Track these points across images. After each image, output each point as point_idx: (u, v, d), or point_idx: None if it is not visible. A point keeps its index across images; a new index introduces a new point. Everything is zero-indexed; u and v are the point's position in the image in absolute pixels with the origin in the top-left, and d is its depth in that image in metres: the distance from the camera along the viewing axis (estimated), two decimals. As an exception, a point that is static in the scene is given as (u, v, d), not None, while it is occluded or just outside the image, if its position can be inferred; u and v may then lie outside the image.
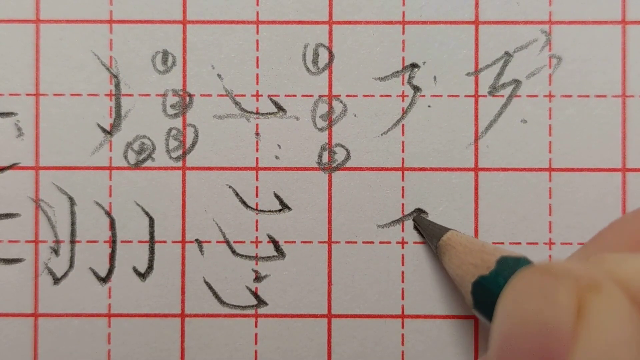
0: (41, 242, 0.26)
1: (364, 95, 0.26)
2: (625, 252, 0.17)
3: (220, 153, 0.26)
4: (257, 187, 0.26)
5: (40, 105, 0.26)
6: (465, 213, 0.26)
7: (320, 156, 0.26)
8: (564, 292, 0.15)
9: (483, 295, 0.21)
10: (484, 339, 0.26)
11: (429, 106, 0.26)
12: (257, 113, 0.26)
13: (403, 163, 0.26)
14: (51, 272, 0.26)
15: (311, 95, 0.26)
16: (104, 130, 0.26)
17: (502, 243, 0.26)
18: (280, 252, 0.26)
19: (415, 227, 0.26)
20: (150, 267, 0.26)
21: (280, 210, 0.26)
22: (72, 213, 0.26)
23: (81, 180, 0.26)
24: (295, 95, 0.26)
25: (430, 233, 0.25)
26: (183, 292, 0.26)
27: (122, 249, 0.26)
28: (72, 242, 0.26)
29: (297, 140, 0.26)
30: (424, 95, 0.26)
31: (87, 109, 0.26)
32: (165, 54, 0.26)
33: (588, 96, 0.26)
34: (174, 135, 0.26)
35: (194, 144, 0.26)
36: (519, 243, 0.26)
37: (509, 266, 0.21)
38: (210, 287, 0.26)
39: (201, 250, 0.26)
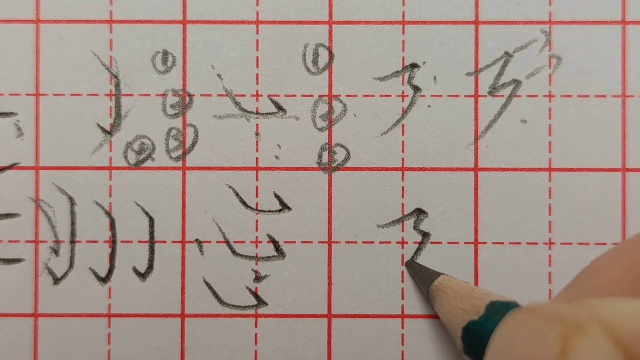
0: (41, 242, 0.26)
1: (364, 95, 0.26)
2: (608, 297, 0.18)
3: (220, 153, 0.26)
4: (257, 187, 0.26)
5: (40, 105, 0.26)
6: (465, 213, 0.26)
7: (320, 156, 0.26)
8: (550, 333, 0.15)
9: (473, 340, 0.21)
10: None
11: (429, 106, 0.26)
12: (257, 113, 0.26)
13: (403, 163, 0.26)
14: (51, 272, 0.26)
15: (311, 95, 0.26)
16: (104, 130, 0.26)
17: (502, 243, 0.26)
18: (280, 252, 0.26)
19: (408, 270, 0.26)
20: (150, 267, 0.26)
21: (280, 210, 0.26)
22: (72, 213, 0.26)
23: (81, 180, 0.26)
24: (295, 95, 0.26)
25: (421, 278, 0.25)
26: (183, 292, 0.26)
27: (122, 249, 0.26)
28: (72, 242, 0.26)
29: (297, 140, 0.26)
30: (424, 95, 0.26)
31: (87, 109, 0.26)
32: (165, 54, 0.26)
33: (588, 96, 0.26)
34: (174, 135, 0.26)
35: (194, 144, 0.26)
36: (519, 243, 0.26)
37: (498, 311, 0.21)
38: (210, 287, 0.26)
39: (201, 250, 0.26)
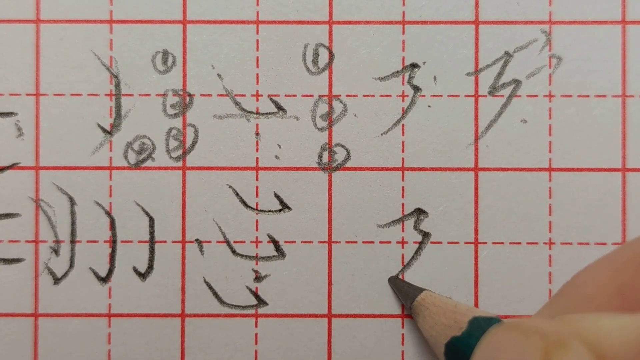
0: (41, 242, 0.26)
1: (364, 95, 0.26)
2: (590, 312, 0.18)
3: (220, 153, 0.26)
4: (257, 187, 0.26)
5: (40, 105, 0.26)
6: (465, 213, 0.26)
7: (320, 156, 0.26)
8: (531, 348, 0.15)
9: (456, 356, 0.21)
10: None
11: (429, 106, 0.26)
12: (257, 113, 0.26)
13: (403, 163, 0.26)
14: (51, 272, 0.26)
15: (311, 95, 0.26)
16: (104, 130, 0.26)
17: (502, 243, 0.26)
18: (280, 252, 0.26)
19: (392, 284, 0.26)
20: (150, 267, 0.26)
21: (280, 210, 0.26)
22: (72, 213, 0.26)
23: (81, 180, 0.26)
24: (295, 95, 0.26)
25: (404, 294, 0.25)
26: (183, 292, 0.26)
27: (122, 249, 0.26)
28: (72, 242, 0.26)
29: (297, 140, 0.26)
30: (424, 95, 0.26)
31: (87, 109, 0.26)
32: (165, 54, 0.26)
33: (588, 96, 0.26)
34: (174, 135, 0.26)
35: (194, 144, 0.26)
36: (519, 243, 0.26)
37: (481, 326, 0.21)
38: (210, 287, 0.26)
39: (201, 250, 0.26)
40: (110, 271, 0.26)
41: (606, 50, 0.26)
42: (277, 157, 0.26)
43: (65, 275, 0.26)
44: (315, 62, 0.26)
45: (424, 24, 0.26)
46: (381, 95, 0.26)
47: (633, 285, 0.17)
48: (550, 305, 0.19)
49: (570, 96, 0.26)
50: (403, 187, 0.26)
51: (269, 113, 0.26)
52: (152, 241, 0.26)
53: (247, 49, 0.26)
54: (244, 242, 0.26)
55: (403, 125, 0.26)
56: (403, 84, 0.26)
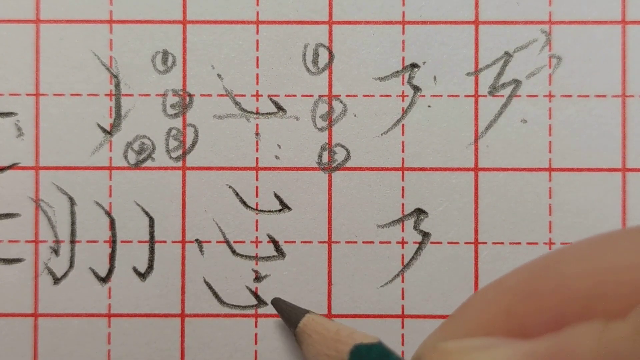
0: (41, 242, 0.26)
1: (364, 95, 0.26)
2: (477, 337, 0.17)
3: (220, 153, 0.26)
4: (257, 187, 0.26)
5: (40, 105, 0.26)
6: (465, 213, 0.26)
7: (320, 156, 0.26)
8: None
9: None
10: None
11: (429, 106, 0.26)
12: (257, 113, 0.26)
13: (403, 163, 0.26)
14: (51, 272, 0.26)
15: (311, 95, 0.26)
16: (104, 130, 0.26)
17: (502, 243, 0.26)
18: (280, 252, 0.26)
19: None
20: (150, 267, 0.26)
21: (280, 210, 0.26)
22: (72, 213, 0.26)
23: (81, 180, 0.26)
24: (295, 95, 0.26)
25: (287, 319, 0.24)
26: (183, 292, 0.26)
27: (122, 249, 0.26)
28: (72, 242, 0.26)
29: (297, 140, 0.26)
30: (424, 95, 0.26)
31: (87, 109, 0.26)
32: (165, 54, 0.26)
33: (588, 96, 0.26)
34: (174, 135, 0.26)
35: (194, 144, 0.26)
36: (519, 243, 0.26)
37: (362, 356, 0.21)
38: (210, 287, 0.26)
39: (201, 250, 0.26)
40: (110, 271, 0.26)
41: (606, 50, 0.26)
42: (277, 157, 0.26)
43: (65, 275, 0.26)
44: (315, 62, 0.26)
45: (424, 24, 0.26)
46: (381, 95, 0.26)
47: (518, 310, 0.17)
48: (444, 327, 0.19)
49: (570, 96, 0.26)
50: (403, 187, 0.26)
51: (269, 113, 0.26)
52: (152, 241, 0.26)
53: (247, 49, 0.26)
54: (244, 242, 0.26)
55: (403, 125, 0.26)
56: (403, 84, 0.26)
